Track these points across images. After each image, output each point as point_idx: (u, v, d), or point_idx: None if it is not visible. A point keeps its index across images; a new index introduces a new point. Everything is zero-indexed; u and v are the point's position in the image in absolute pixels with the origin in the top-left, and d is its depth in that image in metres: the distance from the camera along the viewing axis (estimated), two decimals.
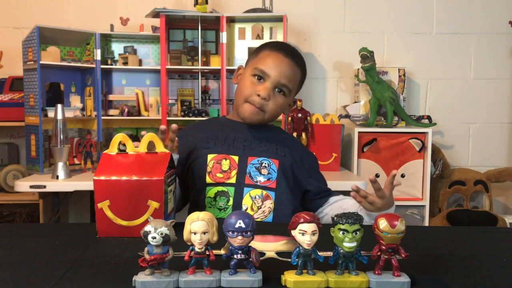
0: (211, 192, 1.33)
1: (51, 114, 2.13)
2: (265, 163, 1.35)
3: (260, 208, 1.30)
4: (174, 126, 1.23)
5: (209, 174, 1.35)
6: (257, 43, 2.36)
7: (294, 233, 0.76)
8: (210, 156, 1.36)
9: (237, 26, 2.41)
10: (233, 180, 1.32)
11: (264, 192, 1.31)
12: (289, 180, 1.36)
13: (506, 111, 2.74)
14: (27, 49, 2.15)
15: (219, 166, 1.35)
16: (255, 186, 1.31)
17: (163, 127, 1.25)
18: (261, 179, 1.32)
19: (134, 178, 1.03)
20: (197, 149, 1.39)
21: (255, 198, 1.30)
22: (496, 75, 2.71)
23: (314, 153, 1.53)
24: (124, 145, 1.12)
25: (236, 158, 1.35)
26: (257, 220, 1.28)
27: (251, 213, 1.29)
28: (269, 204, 1.31)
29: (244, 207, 1.30)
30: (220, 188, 1.32)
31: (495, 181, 2.57)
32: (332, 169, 2.28)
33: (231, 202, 1.30)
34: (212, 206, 1.31)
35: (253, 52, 1.44)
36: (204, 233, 0.75)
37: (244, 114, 1.38)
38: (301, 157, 1.44)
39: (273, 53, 1.38)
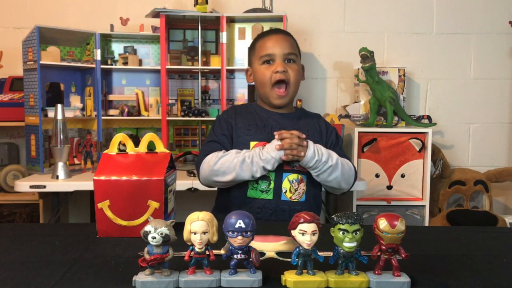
0: None
1: (51, 114, 2.13)
2: None
3: (297, 190, 1.44)
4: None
5: None
6: None
7: (294, 233, 0.76)
8: (252, 143, 1.47)
9: (237, 26, 2.41)
10: None
11: (299, 176, 1.45)
12: None
13: (506, 111, 2.74)
14: (27, 49, 2.15)
15: None
16: (292, 171, 1.44)
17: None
18: (296, 164, 1.43)
19: (134, 178, 1.03)
20: (239, 135, 1.49)
21: (292, 182, 1.44)
22: (496, 75, 2.71)
23: (335, 128, 1.63)
24: (124, 145, 1.12)
25: None
26: (293, 200, 1.44)
27: (289, 194, 1.44)
28: (302, 186, 1.45)
29: (283, 190, 1.43)
30: None
31: (495, 181, 2.57)
32: None
33: (272, 186, 1.43)
34: (254, 188, 1.43)
35: (250, 50, 1.61)
36: (204, 233, 0.75)
37: (275, 101, 1.51)
38: (327, 136, 1.57)
39: (266, 38, 1.55)
